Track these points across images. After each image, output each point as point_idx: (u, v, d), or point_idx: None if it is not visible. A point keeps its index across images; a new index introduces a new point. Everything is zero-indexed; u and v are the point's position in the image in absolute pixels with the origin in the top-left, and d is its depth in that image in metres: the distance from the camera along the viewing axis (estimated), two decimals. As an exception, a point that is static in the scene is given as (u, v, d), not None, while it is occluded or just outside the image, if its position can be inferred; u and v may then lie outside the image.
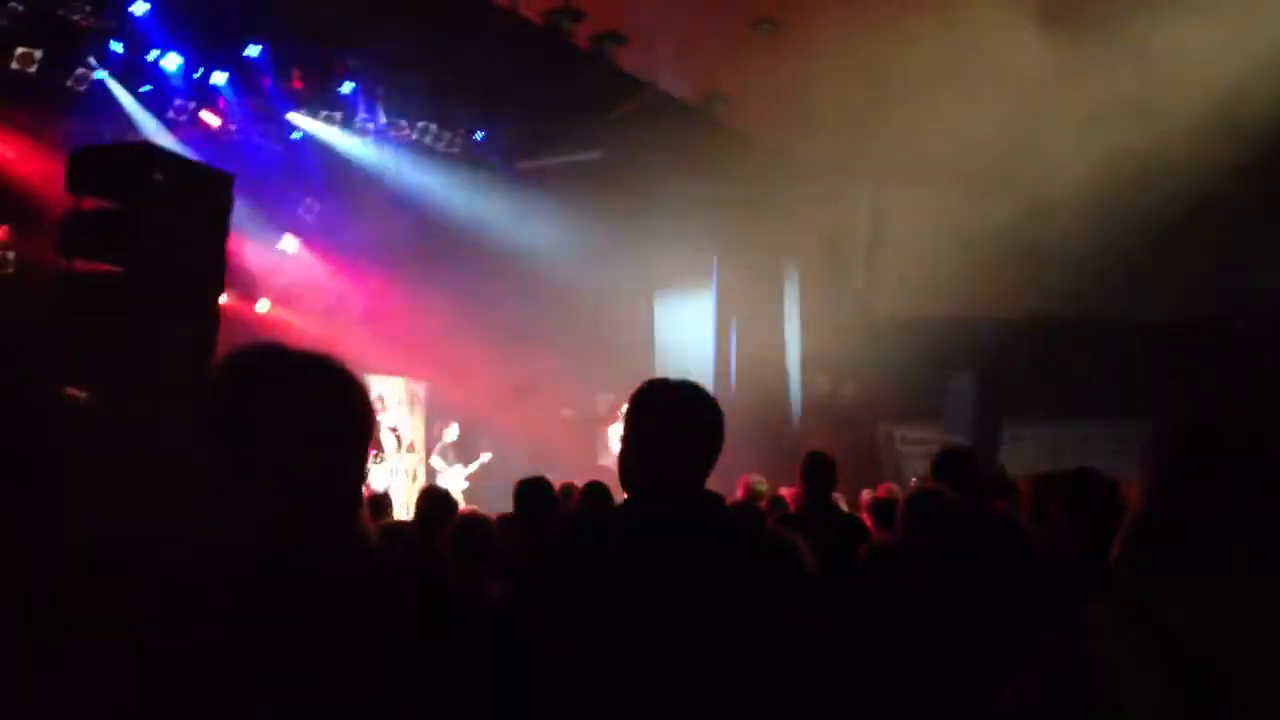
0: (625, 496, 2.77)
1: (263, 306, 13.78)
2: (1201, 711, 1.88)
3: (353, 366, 1.81)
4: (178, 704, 1.57)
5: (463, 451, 14.13)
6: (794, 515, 6.46)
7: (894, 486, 8.47)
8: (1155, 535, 2.12)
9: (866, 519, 7.12)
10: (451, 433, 14.13)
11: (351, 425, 1.77)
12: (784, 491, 8.05)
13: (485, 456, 13.90)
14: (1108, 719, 1.94)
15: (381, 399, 14.48)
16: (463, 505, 10.51)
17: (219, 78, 12.36)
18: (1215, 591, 2.00)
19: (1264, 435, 2.14)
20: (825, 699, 2.66)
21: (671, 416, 2.71)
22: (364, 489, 1.87)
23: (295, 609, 1.62)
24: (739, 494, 7.73)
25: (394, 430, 14.17)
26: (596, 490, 6.97)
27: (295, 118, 13.43)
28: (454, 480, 13.33)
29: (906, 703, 3.50)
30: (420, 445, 15.14)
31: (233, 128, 12.95)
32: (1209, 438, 2.15)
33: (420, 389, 15.30)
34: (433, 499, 6.42)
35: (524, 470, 7.28)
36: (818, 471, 6.37)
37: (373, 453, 13.74)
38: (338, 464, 1.73)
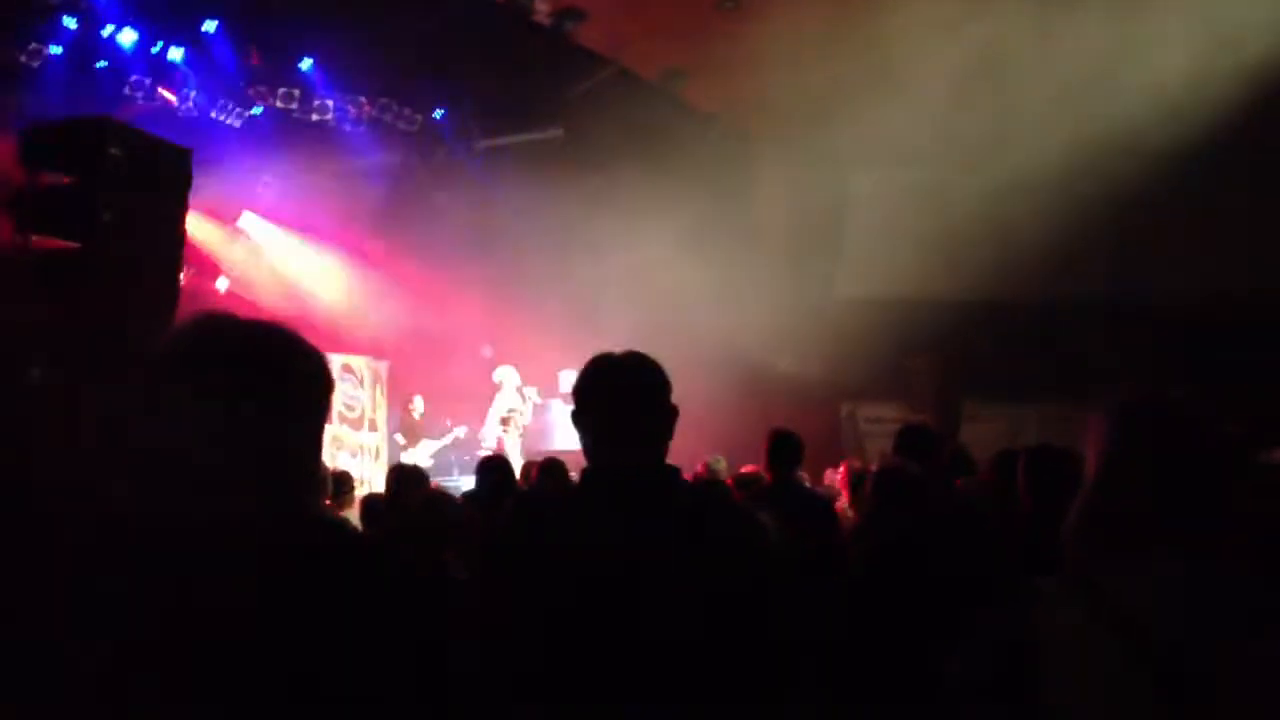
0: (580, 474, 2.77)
1: (222, 284, 13.70)
2: (1151, 685, 1.89)
3: (308, 338, 1.78)
4: (127, 675, 1.55)
5: (427, 428, 14.08)
6: (759, 492, 6.49)
7: (857, 463, 8.50)
8: (1102, 511, 2.13)
9: (845, 496, 7.20)
10: (418, 407, 14.08)
11: (301, 395, 1.75)
12: (746, 469, 8.07)
13: (458, 431, 13.86)
14: (1053, 692, 1.96)
15: (355, 372, 14.47)
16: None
17: (175, 54, 12.22)
18: (1159, 566, 2.01)
19: (1213, 411, 2.15)
20: (798, 675, 2.66)
21: (614, 391, 2.70)
22: (322, 464, 1.85)
23: (240, 581, 1.60)
24: (699, 471, 7.74)
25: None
26: (552, 467, 6.96)
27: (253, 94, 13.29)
28: (418, 457, 13.28)
29: (870, 672, 3.52)
30: (382, 423, 15.08)
31: (190, 104, 12.81)
32: (1153, 413, 2.16)
33: (382, 367, 15.24)
34: (405, 475, 6.42)
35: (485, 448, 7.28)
36: (783, 449, 6.38)
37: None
38: (285, 434, 1.71)
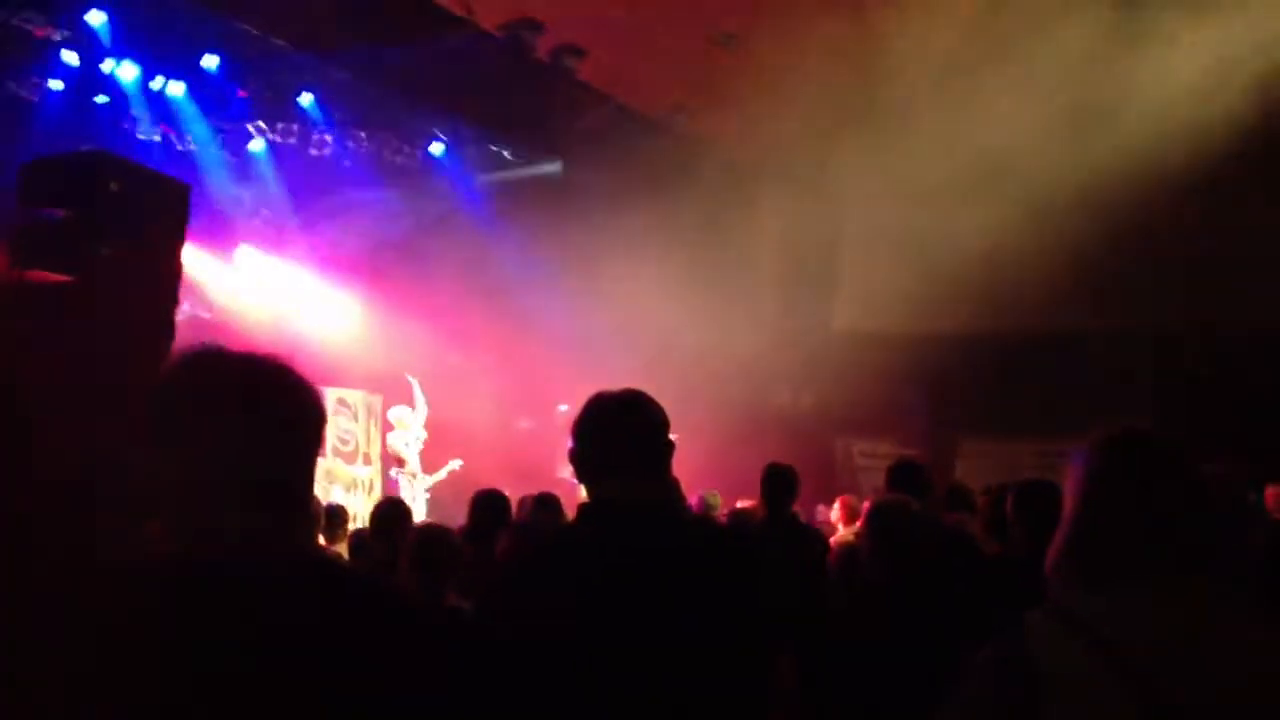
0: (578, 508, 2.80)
1: (216, 317, 13.73)
2: (1139, 715, 1.90)
3: (302, 370, 1.80)
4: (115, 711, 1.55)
5: (424, 462, 14.04)
6: (755, 527, 6.48)
7: (853, 499, 8.48)
8: (1084, 543, 2.14)
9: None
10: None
11: (292, 426, 1.77)
12: (742, 504, 8.05)
13: (454, 464, 13.77)
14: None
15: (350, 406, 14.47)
16: (424, 516, 10.47)
17: (176, 89, 12.27)
18: (1141, 597, 2.02)
19: (1194, 444, 2.17)
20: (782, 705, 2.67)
21: (613, 429, 2.74)
22: (315, 498, 1.86)
23: (231, 614, 1.60)
24: (693, 506, 7.71)
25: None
26: (547, 502, 6.94)
27: (252, 129, 13.35)
28: (416, 491, 13.23)
29: (865, 706, 3.52)
30: (376, 457, 15.06)
31: (189, 139, 12.87)
32: (1133, 448, 2.17)
33: (376, 401, 15.22)
34: (386, 510, 6.38)
35: (481, 483, 7.26)
36: (778, 483, 6.37)
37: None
38: (276, 466, 1.72)
